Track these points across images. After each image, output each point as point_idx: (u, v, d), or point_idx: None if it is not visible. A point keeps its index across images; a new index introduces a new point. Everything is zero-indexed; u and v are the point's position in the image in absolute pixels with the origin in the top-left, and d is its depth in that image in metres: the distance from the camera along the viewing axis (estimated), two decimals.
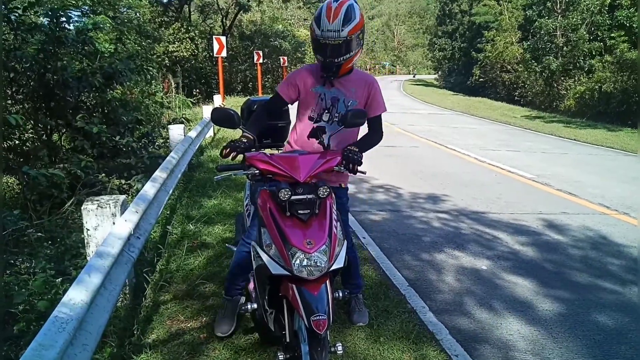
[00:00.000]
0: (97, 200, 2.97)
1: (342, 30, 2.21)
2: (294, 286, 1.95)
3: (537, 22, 22.07)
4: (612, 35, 18.30)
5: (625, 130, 14.02)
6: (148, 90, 11.63)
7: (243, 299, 2.77)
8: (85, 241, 2.99)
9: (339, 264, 2.02)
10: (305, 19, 45.92)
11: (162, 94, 13.83)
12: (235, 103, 17.35)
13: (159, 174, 4.32)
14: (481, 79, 30.22)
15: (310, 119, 2.53)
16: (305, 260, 1.93)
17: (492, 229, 4.90)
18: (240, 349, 2.61)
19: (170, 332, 2.80)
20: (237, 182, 6.12)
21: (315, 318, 1.85)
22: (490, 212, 5.46)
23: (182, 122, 8.85)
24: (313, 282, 1.94)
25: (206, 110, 10.21)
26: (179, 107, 14.47)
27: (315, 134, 2.43)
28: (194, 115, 12.97)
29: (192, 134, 7.11)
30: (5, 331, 2.69)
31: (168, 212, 4.86)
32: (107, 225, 2.93)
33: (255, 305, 2.28)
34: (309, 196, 2.05)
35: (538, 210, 5.58)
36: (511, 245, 4.48)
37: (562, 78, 21.06)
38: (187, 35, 22.70)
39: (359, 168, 2.24)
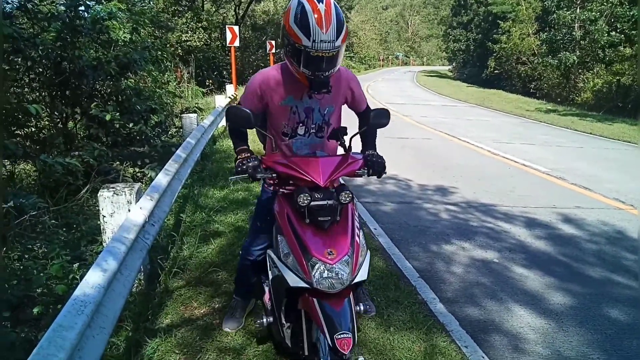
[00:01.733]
0: (113, 188, 3.02)
1: (337, 39, 1.86)
2: (315, 300, 1.81)
3: (555, 14, 21.65)
4: (634, 28, 17.86)
5: None
6: (161, 79, 11.72)
7: (252, 301, 2.80)
8: (102, 227, 3.04)
9: (362, 276, 1.87)
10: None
11: (175, 83, 13.92)
12: None
13: (173, 163, 4.36)
14: (496, 71, 29.81)
15: (285, 134, 2.22)
16: (326, 271, 1.79)
17: (504, 222, 4.88)
18: (252, 335, 2.65)
19: (183, 317, 2.85)
20: None
21: (339, 336, 1.71)
22: (503, 205, 5.42)
23: (195, 112, 8.90)
24: (335, 296, 1.81)
25: (218, 100, 10.26)
26: (192, 97, 14.56)
27: (335, 135, 2.22)
28: (206, 104, 13.03)
29: (205, 122, 7.16)
30: (25, 313, 2.77)
31: (181, 201, 4.92)
32: (123, 212, 2.97)
33: (271, 319, 2.18)
34: (330, 202, 1.89)
35: (552, 204, 5.53)
36: (523, 238, 4.45)
37: (580, 71, 20.68)
38: (199, 25, 22.72)
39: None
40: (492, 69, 30.24)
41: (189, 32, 22.06)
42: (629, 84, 17.15)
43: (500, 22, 28.62)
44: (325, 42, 1.84)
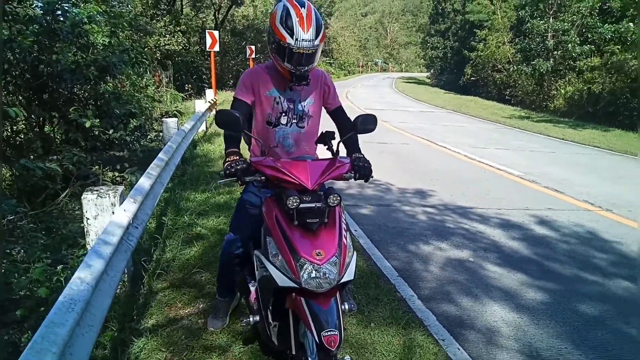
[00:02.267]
0: (97, 191, 3.04)
1: (316, 39, 2.14)
2: (302, 299, 1.87)
3: (529, 23, 22.33)
4: (605, 37, 18.52)
5: (613, 130, 14.30)
6: (139, 83, 11.63)
7: (237, 298, 2.84)
8: (85, 230, 3.06)
9: (349, 276, 1.92)
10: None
11: (153, 87, 13.83)
12: (227, 98, 17.36)
13: (155, 166, 4.38)
14: (473, 78, 30.47)
15: (269, 123, 2.42)
16: (314, 272, 1.83)
17: (480, 223, 5.05)
18: (237, 334, 2.71)
19: (168, 317, 2.89)
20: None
21: (326, 334, 1.76)
22: (478, 207, 5.60)
23: (175, 116, 8.88)
24: (322, 296, 1.86)
25: (198, 105, 10.24)
26: (171, 101, 14.48)
27: (323, 139, 2.30)
28: (185, 109, 12.98)
29: (186, 127, 7.17)
30: (7, 316, 2.76)
31: (163, 204, 4.94)
32: (107, 214, 3.00)
33: (257, 318, 2.21)
34: (319, 204, 1.94)
35: (525, 206, 5.74)
36: (498, 238, 4.63)
37: (553, 78, 21.34)
38: (178, 28, 22.62)
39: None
40: (468, 76, 30.90)
41: (167, 35, 21.93)
42: (599, 92, 17.80)
43: (476, 30, 29.31)
44: (306, 40, 2.12)
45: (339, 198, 1.97)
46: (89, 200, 2.99)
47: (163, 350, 2.55)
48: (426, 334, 2.85)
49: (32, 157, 5.73)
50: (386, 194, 6.09)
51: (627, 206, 5.91)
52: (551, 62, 20.82)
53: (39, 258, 3.16)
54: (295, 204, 1.89)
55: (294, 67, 2.19)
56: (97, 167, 6.22)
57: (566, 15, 20.34)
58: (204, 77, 23.08)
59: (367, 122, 2.20)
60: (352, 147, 2.40)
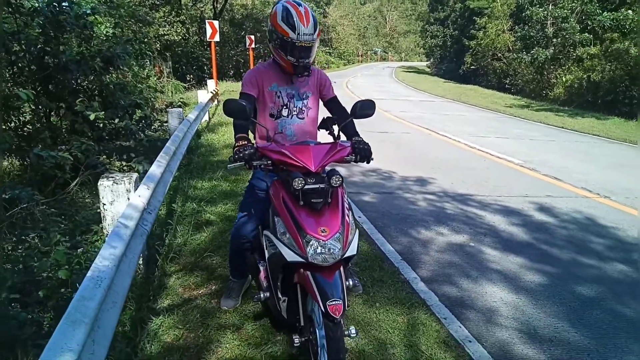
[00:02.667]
0: (112, 177, 3.16)
1: (314, 33, 2.37)
2: (309, 273, 2.00)
3: (528, 10, 22.28)
4: (604, 25, 18.50)
5: (612, 118, 14.39)
6: (141, 74, 11.69)
7: (249, 280, 2.97)
8: (102, 215, 3.18)
9: (352, 251, 2.07)
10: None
11: (155, 78, 13.88)
12: (228, 88, 17.41)
13: (164, 155, 4.50)
14: (472, 67, 30.42)
15: (272, 115, 2.60)
16: (320, 247, 1.97)
17: (480, 209, 5.18)
18: (250, 313, 2.85)
19: (182, 298, 3.03)
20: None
21: (331, 303, 1.90)
22: (478, 195, 5.73)
23: (180, 106, 8.97)
24: (327, 269, 1.99)
25: (201, 95, 10.34)
26: (172, 92, 14.54)
27: (324, 125, 2.50)
28: (187, 99, 13.05)
29: (190, 117, 7.27)
30: (30, 297, 2.90)
31: (172, 192, 5.06)
32: (122, 200, 3.13)
33: (267, 294, 2.36)
34: (322, 185, 2.08)
35: (524, 194, 5.87)
36: (497, 224, 4.76)
37: (552, 67, 21.36)
38: (177, 19, 22.57)
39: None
40: (468, 65, 30.84)
41: (167, 26, 21.90)
42: (599, 80, 17.84)
43: (476, 18, 29.22)
44: (307, 34, 2.36)
45: (341, 179, 2.11)
46: (105, 187, 3.11)
47: (179, 327, 2.70)
48: (429, 313, 3.00)
49: (40, 146, 5.84)
50: (388, 182, 6.21)
51: (625, 193, 6.04)
52: (551, 50, 20.82)
53: (58, 241, 3.29)
54: (300, 185, 2.04)
55: (296, 60, 2.40)
56: (104, 156, 6.34)
57: (565, 2, 20.29)
58: (204, 67, 23.09)
59: (366, 108, 2.35)
60: (351, 131, 2.54)
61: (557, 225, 4.81)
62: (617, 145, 9.97)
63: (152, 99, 11.09)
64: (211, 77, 14.56)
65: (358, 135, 2.49)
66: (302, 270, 2.05)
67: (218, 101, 12.66)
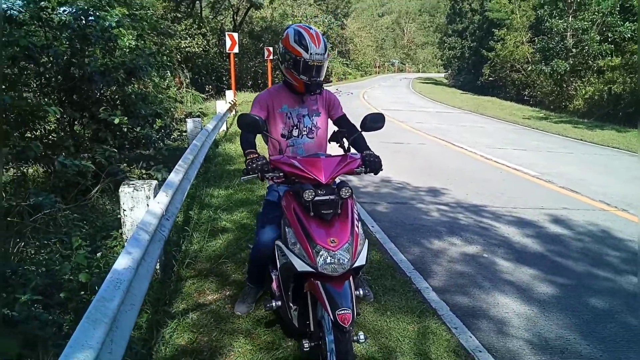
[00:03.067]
0: (133, 184, 3.28)
1: (325, 53, 2.50)
2: (319, 282, 2.06)
3: (547, 22, 22.14)
4: (625, 36, 18.26)
5: (633, 131, 14.14)
6: (162, 85, 11.98)
7: (262, 290, 3.01)
8: (122, 220, 3.30)
9: (361, 261, 2.12)
10: (315, 16, 46.13)
11: (175, 89, 14.20)
12: (246, 99, 17.67)
13: (182, 163, 4.63)
14: (490, 78, 30.28)
15: (283, 136, 2.71)
16: (329, 257, 2.03)
17: (494, 221, 5.17)
18: (262, 319, 2.91)
19: (197, 302, 3.11)
20: None
21: (340, 312, 1.94)
22: (493, 206, 5.72)
23: (199, 116, 9.18)
24: (337, 279, 2.05)
25: (219, 105, 10.55)
26: (191, 102, 14.83)
27: (335, 137, 2.59)
28: (206, 109, 13.31)
29: (209, 127, 7.43)
30: (52, 299, 3.01)
31: (189, 200, 5.18)
32: (142, 206, 3.23)
33: (279, 303, 2.43)
34: (332, 197, 2.14)
35: (540, 206, 5.83)
36: (511, 235, 4.74)
37: (572, 79, 21.13)
38: (199, 31, 23.08)
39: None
40: (486, 77, 30.71)
41: (188, 38, 22.40)
42: (620, 93, 17.57)
43: (494, 30, 29.11)
44: (319, 54, 2.49)
45: (350, 190, 2.18)
46: (126, 193, 3.23)
47: (193, 331, 2.77)
48: (439, 322, 3.01)
49: (64, 154, 6.05)
50: (402, 192, 6.24)
51: None
52: (570, 61, 20.61)
53: (80, 245, 3.41)
54: (311, 197, 2.11)
55: (308, 79, 2.52)
56: (124, 164, 6.52)
57: (586, 14, 20.11)
58: (223, 78, 23.49)
59: (376, 120, 2.46)
60: (362, 144, 2.63)
61: (572, 238, 4.77)
62: (637, 158, 9.80)
63: (172, 109, 11.34)
64: (229, 88, 14.83)
65: (368, 149, 2.57)
66: (312, 279, 2.11)
67: (236, 111, 12.88)
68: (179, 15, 23.53)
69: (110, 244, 4.00)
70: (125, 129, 6.59)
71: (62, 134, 6.84)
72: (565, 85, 21.42)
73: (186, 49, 21.99)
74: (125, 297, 2.17)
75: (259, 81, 26.73)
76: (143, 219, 2.91)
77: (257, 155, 2.37)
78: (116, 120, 6.09)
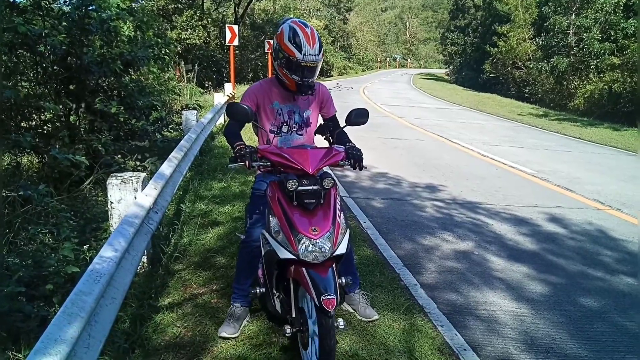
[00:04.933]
0: (121, 176, 3.26)
1: (319, 54, 2.44)
2: (304, 269, 2.11)
3: (551, 19, 22.02)
4: (627, 32, 18.16)
5: (631, 130, 14.09)
6: (162, 76, 11.93)
7: (248, 313, 2.80)
8: (109, 213, 3.28)
9: (341, 250, 2.18)
10: (318, 10, 45.89)
11: (175, 81, 14.13)
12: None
13: (174, 156, 4.60)
14: (492, 75, 30.14)
15: (272, 132, 2.67)
16: (311, 245, 2.10)
17: (488, 217, 5.15)
18: (250, 311, 2.89)
19: (184, 296, 3.10)
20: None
21: (325, 297, 2.00)
22: (488, 203, 5.69)
23: (195, 108, 9.14)
24: (321, 266, 2.12)
25: (217, 98, 10.50)
26: (191, 95, 14.77)
27: (321, 130, 2.64)
28: (204, 102, 13.26)
29: (204, 120, 7.40)
30: (38, 290, 3.00)
31: (181, 193, 5.16)
32: (129, 199, 3.22)
33: (263, 290, 2.49)
34: (315, 187, 2.19)
35: (534, 203, 5.81)
36: (504, 233, 4.72)
37: (572, 77, 21.04)
38: (200, 23, 22.96)
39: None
40: (488, 73, 30.56)
41: (189, 29, 22.28)
42: (620, 92, 17.49)
43: (497, 27, 28.92)
44: (312, 55, 2.42)
45: (333, 181, 2.24)
46: (114, 185, 3.21)
47: (178, 325, 2.76)
48: (426, 319, 3.00)
49: (58, 145, 6.02)
50: (397, 188, 6.21)
51: (638, 206, 5.92)
52: (571, 59, 20.52)
53: (68, 237, 3.39)
54: (294, 187, 2.16)
55: (300, 79, 2.46)
56: (119, 156, 6.49)
57: (589, 11, 19.99)
58: (223, 70, 23.39)
59: (360, 116, 2.52)
60: (345, 138, 2.67)
61: (565, 236, 4.76)
62: (634, 157, 9.78)
63: (170, 100, 11.31)
64: (229, 81, 14.77)
65: (351, 142, 2.61)
66: (297, 266, 2.16)
67: (228, 104, 12.83)
68: (180, 6, 23.41)
69: (100, 236, 3.99)
70: (122, 119, 6.55)
71: (58, 124, 6.81)
72: (565, 83, 21.33)
73: (187, 41, 21.89)
74: (105, 291, 2.16)
75: (260, 74, 26.62)
76: (129, 211, 2.89)
77: (244, 144, 2.39)
78: (113, 110, 6.07)
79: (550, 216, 5.34)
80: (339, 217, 2.23)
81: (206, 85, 19.24)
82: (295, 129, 2.72)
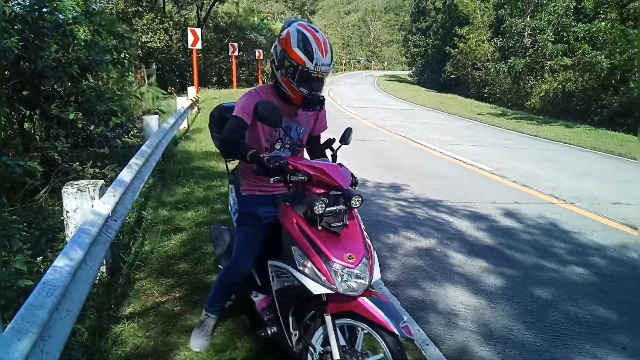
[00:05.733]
0: (77, 184, 3.17)
1: (331, 63, 2.17)
2: (366, 300, 1.84)
3: (507, 22, 22.86)
4: (577, 35, 19.03)
5: (584, 127, 14.78)
6: (122, 81, 11.64)
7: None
8: (65, 223, 3.18)
9: (377, 276, 1.95)
10: (282, 13, 45.88)
11: (136, 85, 13.81)
12: (209, 95, 17.40)
13: (135, 162, 4.51)
14: (453, 76, 30.95)
15: (265, 149, 2.35)
16: (349, 275, 1.83)
17: (449, 215, 5.29)
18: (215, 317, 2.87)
19: (145, 305, 3.04)
20: (209, 171, 6.34)
21: (403, 324, 1.79)
22: (450, 201, 5.85)
23: (157, 113, 8.97)
24: (363, 296, 1.85)
25: (180, 102, 10.32)
26: (153, 99, 14.47)
27: (329, 145, 2.35)
28: (167, 107, 13.01)
29: (167, 125, 7.27)
30: None
31: (143, 199, 5.05)
32: (87, 207, 3.13)
33: (275, 329, 2.22)
34: (341, 207, 1.93)
35: (492, 200, 6.01)
36: (464, 229, 4.87)
37: (528, 77, 21.88)
38: (161, 26, 22.55)
39: None
40: (449, 74, 31.36)
41: (150, 33, 21.84)
42: (573, 91, 18.32)
43: (457, 29, 29.71)
44: (325, 65, 2.13)
45: (361, 199, 1.97)
46: (69, 194, 3.11)
47: (139, 335, 2.70)
48: None
49: (11, 154, 5.78)
50: (361, 189, 6.29)
51: (590, 200, 6.22)
52: (527, 59, 21.35)
53: (20, 249, 3.27)
54: (322, 209, 1.87)
55: (309, 92, 2.15)
56: (77, 163, 6.29)
57: (543, 14, 20.88)
58: (186, 74, 23.04)
59: (350, 135, 2.36)
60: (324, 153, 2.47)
61: (521, 230, 4.94)
62: (587, 153, 10.26)
63: (131, 105, 11.03)
64: (193, 84, 14.57)
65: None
66: (357, 299, 1.86)
67: (198, 108, 12.66)
68: (140, 9, 22.91)
69: (57, 247, 3.86)
70: (80, 125, 6.35)
71: (10, 131, 6.54)
72: (522, 83, 22.16)
73: (147, 44, 21.45)
74: (60, 303, 2.10)
75: (224, 77, 26.37)
76: (86, 220, 2.82)
77: (269, 154, 2.05)
78: (71, 116, 5.88)
79: (508, 212, 5.54)
80: (368, 238, 2.01)
81: (169, 89, 18.90)
82: (288, 146, 2.41)
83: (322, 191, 1.96)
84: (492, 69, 24.21)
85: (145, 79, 17.29)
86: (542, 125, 14.77)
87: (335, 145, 2.34)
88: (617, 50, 16.31)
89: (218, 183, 5.89)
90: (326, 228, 1.92)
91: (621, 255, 4.43)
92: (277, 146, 2.39)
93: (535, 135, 12.50)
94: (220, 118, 2.72)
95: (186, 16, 27.09)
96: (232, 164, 2.84)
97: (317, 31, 2.17)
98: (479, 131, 12.94)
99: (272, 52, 2.28)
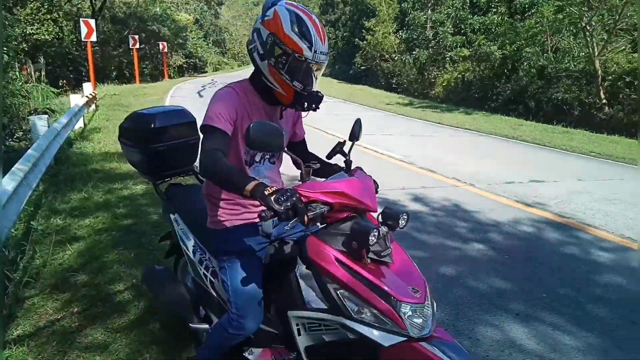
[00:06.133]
0: None
1: (328, 52, 1.77)
2: (433, 346, 1.48)
3: (410, 15, 24.04)
4: (474, 28, 20.53)
5: (482, 113, 16.02)
6: (5, 79, 10.46)
7: None
8: None
9: (435, 306, 1.62)
10: (186, 3, 44.04)
11: (20, 82, 12.48)
12: (109, 91, 16.25)
13: (19, 168, 4.07)
14: (363, 67, 31.92)
15: (246, 162, 1.92)
16: (418, 314, 1.50)
17: None
18: (114, 331, 2.67)
19: (37, 325, 2.74)
20: (109, 173, 5.92)
21: None
22: None
23: (45, 113, 8.16)
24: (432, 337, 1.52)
25: (74, 99, 9.50)
26: (42, 97, 13.18)
27: (341, 150, 2.07)
28: (60, 105, 11.92)
29: (58, 125, 6.65)
30: None
31: (32, 208, 4.57)
32: None
33: None
34: (383, 230, 1.60)
35: (402, 186, 6.28)
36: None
37: (432, 67, 23.24)
38: (49, 16, 20.57)
39: None
40: (359, 66, 32.29)
41: (36, 24, 19.83)
42: (471, 80, 19.79)
43: (364, 22, 30.64)
44: (324, 54, 1.73)
45: (407, 217, 1.69)
46: None
47: (30, 359, 2.43)
48: None
49: None
50: None
51: (487, 181, 6.74)
52: (430, 51, 22.65)
53: None
54: (375, 239, 1.54)
55: (304, 87, 1.75)
56: None
57: (442, 7, 22.24)
58: (81, 69, 21.31)
59: (360, 129, 2.05)
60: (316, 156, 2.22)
61: (428, 214, 5.22)
62: (485, 137, 11.12)
63: (15, 105, 9.95)
64: (89, 80, 13.51)
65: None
66: (412, 344, 1.50)
67: (96, 105, 11.77)
68: None
69: None
70: None
71: None
72: (426, 74, 23.47)
73: (34, 37, 19.47)
74: None
75: (125, 71, 24.80)
76: None
77: (274, 187, 1.51)
78: None
79: (416, 196, 5.82)
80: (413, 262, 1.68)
81: (61, 85, 17.35)
82: (268, 157, 1.97)
83: (345, 215, 1.62)
84: (398, 61, 25.36)
85: (33, 75, 15.71)
86: (445, 113, 15.75)
87: (346, 147, 1.99)
88: (507, 41, 17.88)
89: (119, 185, 5.50)
90: (374, 259, 1.58)
91: (515, 230, 4.84)
92: (257, 158, 1.95)
93: (440, 123, 13.29)
94: (142, 129, 2.31)
95: (78, 6, 24.96)
96: (164, 184, 2.54)
97: (310, 12, 1.76)
98: (387, 120, 13.47)
99: (251, 37, 1.81)
